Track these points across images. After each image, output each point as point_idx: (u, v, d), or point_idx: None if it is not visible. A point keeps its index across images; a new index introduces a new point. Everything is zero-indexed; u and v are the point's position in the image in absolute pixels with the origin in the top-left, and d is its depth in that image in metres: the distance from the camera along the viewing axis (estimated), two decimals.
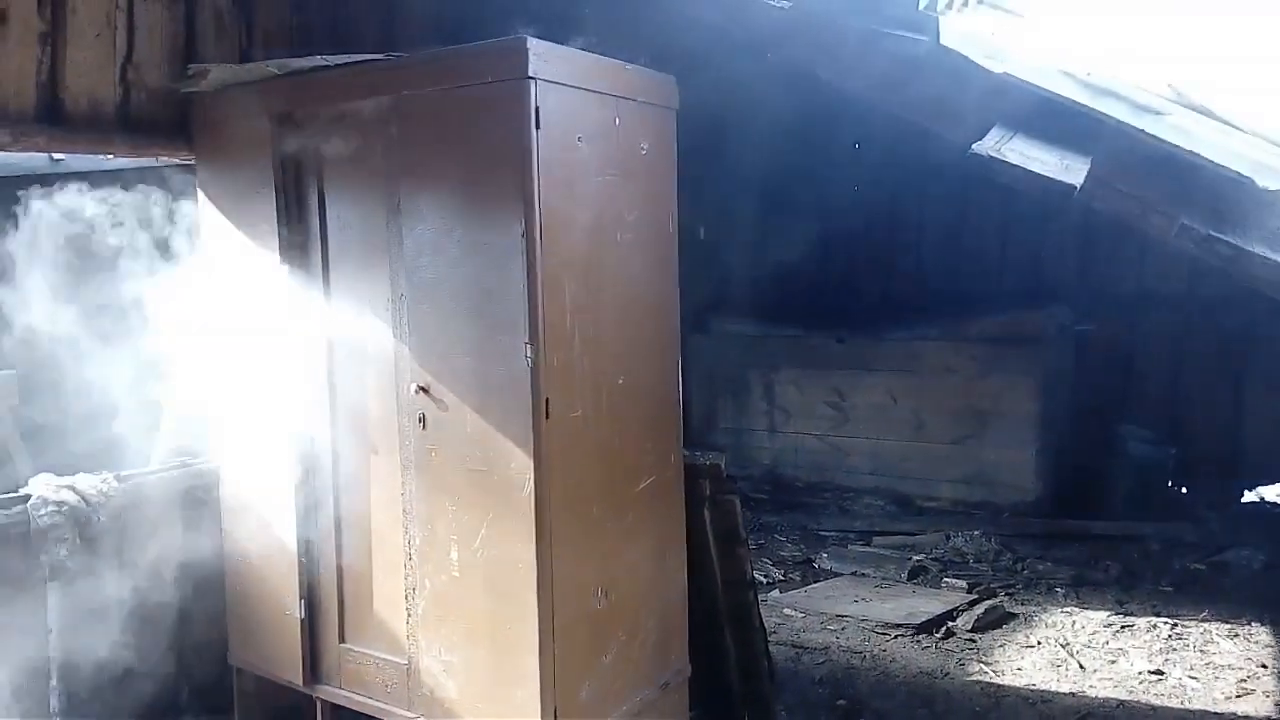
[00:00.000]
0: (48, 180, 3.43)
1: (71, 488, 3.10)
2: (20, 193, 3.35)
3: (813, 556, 5.87)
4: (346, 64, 2.82)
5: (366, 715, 3.08)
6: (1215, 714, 3.86)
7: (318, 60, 2.86)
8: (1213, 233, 3.18)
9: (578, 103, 2.67)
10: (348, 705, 3.09)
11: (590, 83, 2.72)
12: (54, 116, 3.04)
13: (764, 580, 5.35)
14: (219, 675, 3.40)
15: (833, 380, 7.17)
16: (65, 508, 3.04)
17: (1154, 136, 3.19)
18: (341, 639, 3.09)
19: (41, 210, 3.31)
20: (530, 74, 2.49)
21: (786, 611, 4.95)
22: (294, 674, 3.16)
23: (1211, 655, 4.38)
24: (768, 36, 3.96)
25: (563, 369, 2.65)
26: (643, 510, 3.01)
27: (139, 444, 3.43)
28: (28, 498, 3.06)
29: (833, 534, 6.31)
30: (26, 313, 3.29)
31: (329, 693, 3.12)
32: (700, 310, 7.27)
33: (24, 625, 3.08)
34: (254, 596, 3.26)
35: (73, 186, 3.30)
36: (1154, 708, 3.90)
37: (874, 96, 4.08)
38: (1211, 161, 3.09)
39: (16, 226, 3.32)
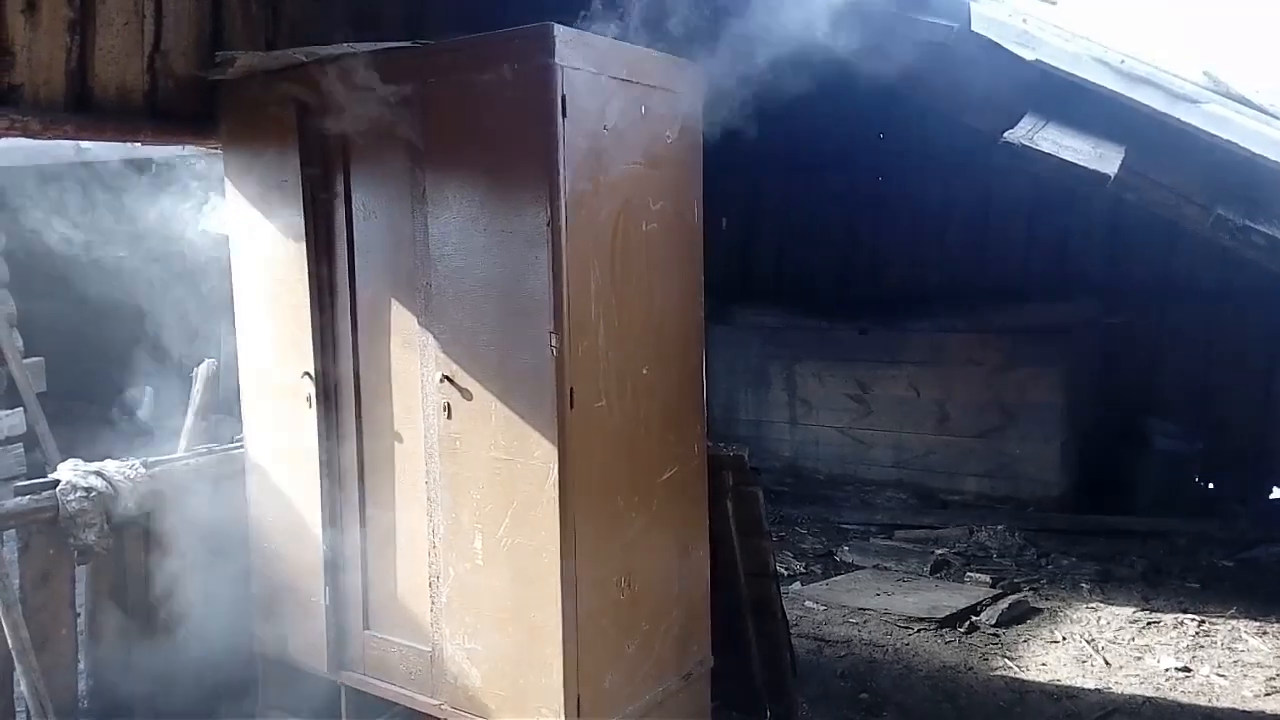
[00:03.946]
0: None
1: (99, 473, 3.13)
2: None
3: (834, 549, 5.85)
4: (372, 51, 2.81)
5: (390, 701, 3.09)
6: (1243, 712, 3.81)
7: (344, 48, 2.85)
8: (1249, 223, 3.12)
9: (604, 90, 2.65)
10: (371, 692, 3.11)
11: (617, 70, 2.70)
12: (83, 104, 3.05)
13: (785, 573, 5.33)
14: (244, 660, 3.42)
15: (855, 372, 7.12)
16: (93, 493, 3.07)
17: (1190, 125, 3.13)
18: (366, 626, 3.10)
19: None
20: (557, 61, 2.48)
21: (808, 604, 4.93)
22: (318, 660, 3.18)
23: (1240, 653, 4.33)
24: (792, 21, 3.92)
25: (587, 358, 2.64)
26: (666, 501, 3.00)
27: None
28: (56, 483, 3.09)
29: (854, 527, 6.28)
30: None
31: (353, 679, 3.14)
32: (722, 300, 7.24)
33: (53, 608, 3.11)
34: (279, 583, 3.28)
35: None
36: (1181, 705, 3.86)
37: (901, 83, 4.02)
38: (1249, 151, 3.02)
39: None
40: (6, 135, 2.93)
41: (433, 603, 2.90)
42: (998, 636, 4.53)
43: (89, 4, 3.04)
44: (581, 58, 2.56)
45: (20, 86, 2.89)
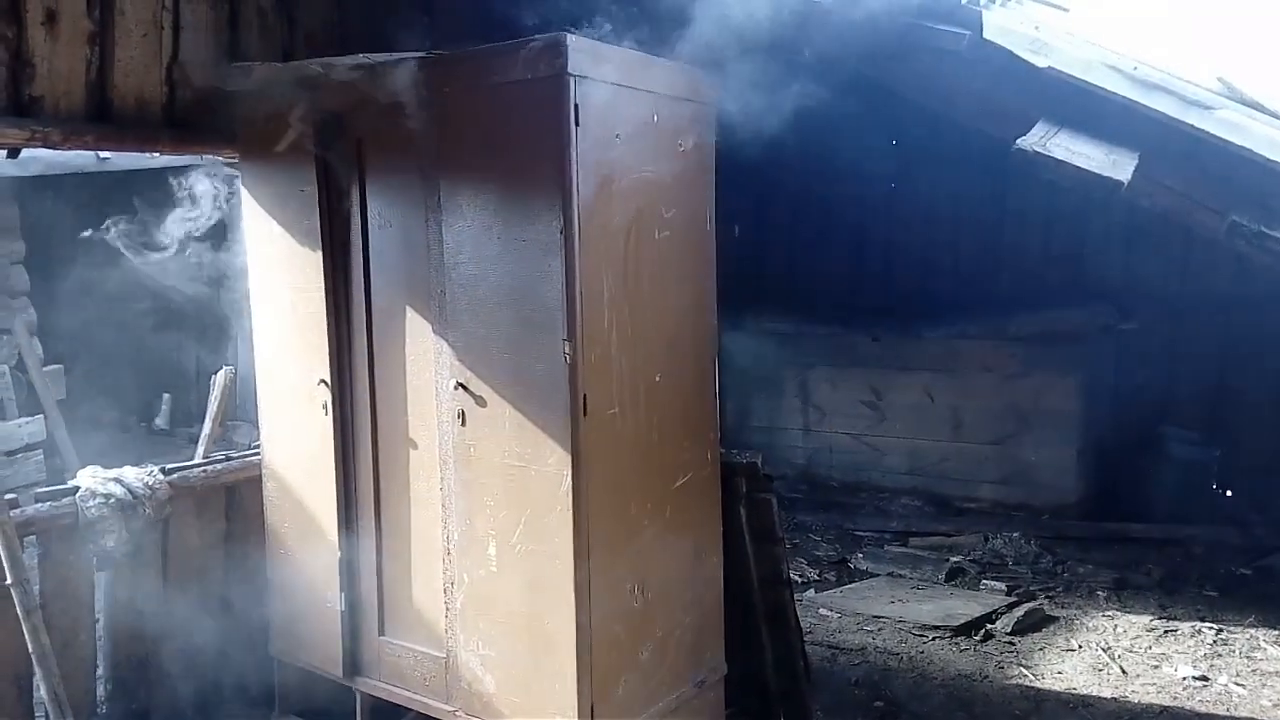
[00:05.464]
0: None
1: (118, 480, 3.16)
2: None
3: (848, 557, 5.83)
4: (387, 62, 2.83)
5: (405, 707, 3.11)
6: None
7: (359, 59, 2.88)
8: (1264, 229, 3.11)
9: (616, 99, 2.67)
10: (387, 698, 3.12)
11: (629, 79, 2.72)
12: (102, 115, 3.09)
13: (799, 580, 5.31)
14: (261, 666, 3.44)
15: (869, 378, 7.10)
16: (112, 500, 3.10)
17: (1203, 131, 3.12)
18: (381, 632, 3.11)
19: None
20: (569, 71, 2.49)
21: (822, 611, 4.92)
22: (334, 666, 3.19)
23: (1258, 661, 4.29)
24: (806, 31, 3.94)
25: (600, 366, 2.65)
26: (679, 508, 3.00)
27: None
28: (76, 489, 3.12)
29: (869, 534, 6.26)
30: None
31: (368, 685, 3.15)
32: (735, 307, 7.23)
33: (73, 614, 3.14)
34: (295, 589, 3.30)
35: None
36: (1199, 715, 3.83)
37: (914, 92, 4.04)
38: (1263, 157, 3.02)
39: None
40: (28, 146, 2.97)
41: (447, 609, 2.91)
42: (1013, 645, 4.51)
43: (108, 16, 3.08)
44: (594, 67, 2.57)
45: (41, 98, 2.93)
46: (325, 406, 3.13)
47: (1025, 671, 4.24)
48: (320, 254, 3.08)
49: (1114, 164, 3.10)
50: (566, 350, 2.56)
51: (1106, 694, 4.01)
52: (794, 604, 3.65)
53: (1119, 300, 6.54)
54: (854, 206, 7.55)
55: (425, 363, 2.91)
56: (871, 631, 4.68)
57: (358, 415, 3.12)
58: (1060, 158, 3.08)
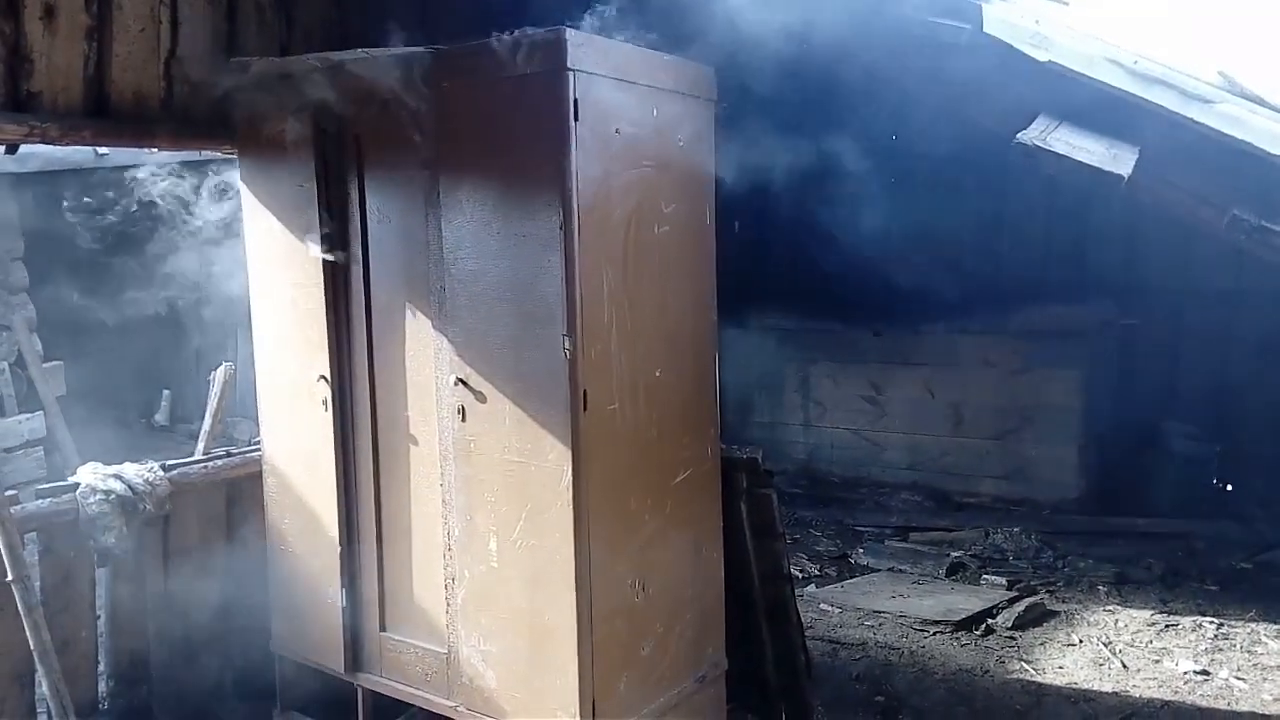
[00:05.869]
0: None
1: (118, 476, 3.17)
2: None
3: (849, 552, 5.84)
4: (386, 57, 2.83)
5: (406, 703, 3.11)
6: (1263, 716, 3.78)
7: (358, 53, 2.87)
8: (1265, 224, 3.11)
9: (616, 94, 2.66)
10: (388, 693, 3.12)
11: (628, 74, 2.71)
12: (100, 110, 3.08)
13: (800, 575, 5.32)
14: (262, 662, 3.45)
15: (869, 374, 7.10)
16: (113, 496, 3.10)
17: (1204, 125, 3.12)
18: (382, 627, 3.11)
19: None
20: (569, 65, 2.49)
21: (823, 607, 4.92)
22: (335, 661, 3.19)
23: (1259, 656, 4.29)
24: (804, 22, 3.93)
25: (600, 361, 2.65)
26: (680, 503, 3.00)
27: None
28: (76, 486, 3.13)
29: (869, 529, 6.27)
30: None
31: (369, 680, 3.16)
32: (736, 303, 7.22)
33: (74, 610, 3.14)
34: (296, 584, 3.30)
35: None
36: (1199, 709, 3.83)
37: (914, 85, 4.03)
38: (1264, 151, 3.01)
39: None
40: (26, 141, 2.97)
41: (448, 605, 2.91)
42: (1014, 639, 4.51)
43: (106, 11, 3.07)
44: (593, 61, 2.57)
45: (39, 93, 2.92)
46: (325, 402, 3.12)
47: (1026, 666, 4.24)
48: (319, 248, 3.06)
49: (1115, 158, 3.09)
50: (566, 345, 2.56)
51: (1107, 688, 4.01)
52: (795, 599, 3.65)
53: (1120, 296, 6.53)
54: (855, 202, 7.53)
55: (425, 358, 2.91)
56: (872, 626, 4.68)
57: (358, 411, 3.11)
58: (1061, 152, 3.07)
